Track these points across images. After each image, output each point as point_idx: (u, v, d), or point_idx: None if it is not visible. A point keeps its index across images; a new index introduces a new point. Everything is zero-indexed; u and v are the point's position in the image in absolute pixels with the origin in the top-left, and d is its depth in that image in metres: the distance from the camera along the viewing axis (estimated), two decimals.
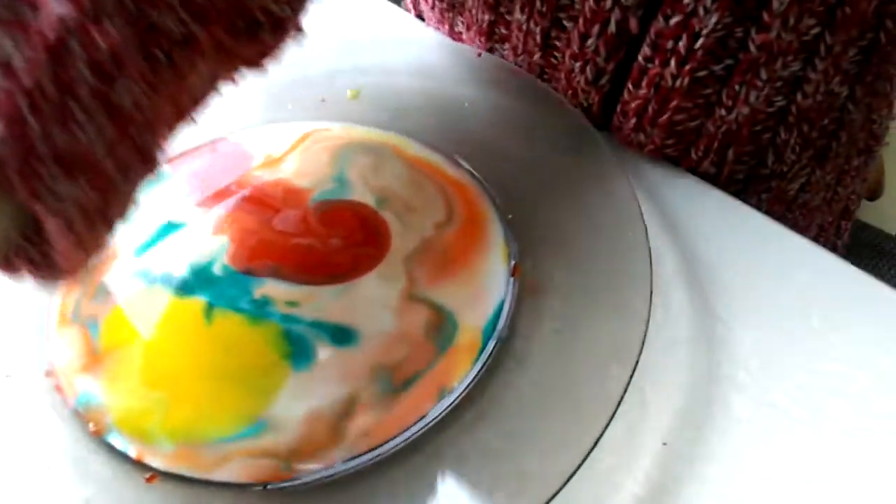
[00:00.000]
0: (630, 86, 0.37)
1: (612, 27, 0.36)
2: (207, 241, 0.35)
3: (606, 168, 0.35)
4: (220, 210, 0.37)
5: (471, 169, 0.38)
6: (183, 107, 0.24)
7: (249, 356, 0.31)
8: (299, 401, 0.29)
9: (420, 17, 0.51)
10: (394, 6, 0.50)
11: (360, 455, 0.28)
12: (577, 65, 0.38)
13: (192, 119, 0.25)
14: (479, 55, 0.42)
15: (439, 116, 0.40)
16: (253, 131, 0.40)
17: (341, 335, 0.31)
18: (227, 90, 0.40)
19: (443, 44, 0.44)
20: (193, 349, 0.31)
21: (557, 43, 0.39)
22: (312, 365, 0.30)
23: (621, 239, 0.33)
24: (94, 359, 0.31)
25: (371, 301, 0.33)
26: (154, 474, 0.27)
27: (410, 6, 0.52)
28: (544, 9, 0.38)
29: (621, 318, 0.30)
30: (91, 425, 0.29)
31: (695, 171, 0.39)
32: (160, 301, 0.33)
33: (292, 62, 0.41)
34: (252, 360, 0.31)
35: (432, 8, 0.48)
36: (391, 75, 0.42)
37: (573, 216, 0.35)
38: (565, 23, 0.38)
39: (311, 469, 0.28)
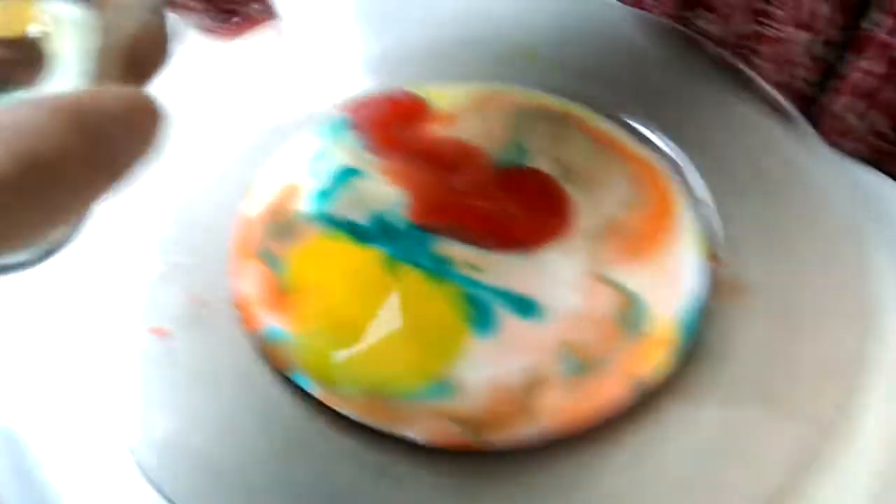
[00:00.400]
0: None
1: None
2: (385, 191, 0.34)
3: (821, 164, 0.33)
4: (398, 161, 0.36)
5: (663, 149, 0.36)
6: None
7: (431, 314, 0.30)
8: (483, 367, 0.29)
9: None
10: None
11: (549, 433, 0.27)
12: (804, 36, 0.34)
13: None
14: (673, 29, 0.40)
15: (628, 89, 0.38)
16: (429, 85, 0.39)
17: (525, 306, 0.30)
18: (407, 41, 0.40)
19: (633, 12, 0.42)
20: (375, 298, 0.31)
21: (779, 11, 0.35)
22: (496, 332, 0.29)
23: (836, 242, 0.30)
24: (278, 296, 0.31)
25: (555, 275, 0.31)
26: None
27: None
28: None
29: (837, 332, 0.28)
30: (278, 362, 0.29)
31: None
32: (342, 247, 0.32)
33: (469, 20, 0.41)
34: (434, 319, 0.30)
35: None
36: (574, 39, 0.40)
37: (780, 211, 0.32)
38: None
39: (500, 441, 0.27)
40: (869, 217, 0.32)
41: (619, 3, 0.44)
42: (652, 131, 0.36)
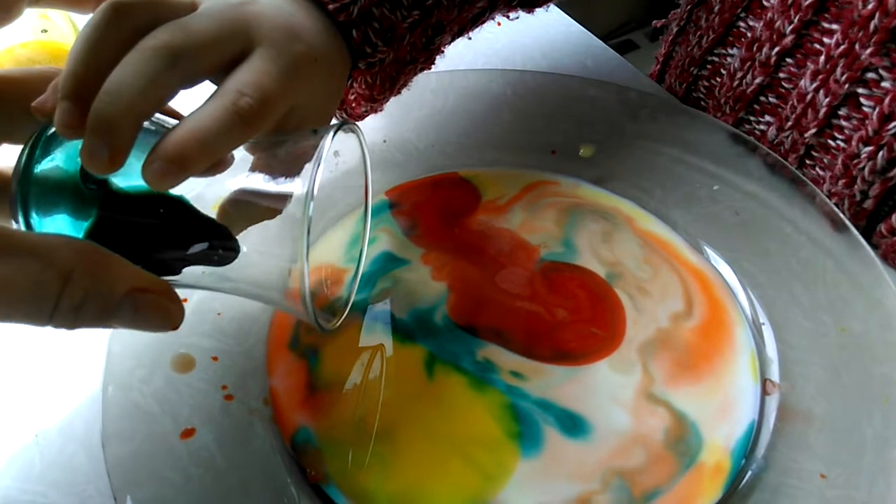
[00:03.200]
0: None
1: None
2: (428, 284, 0.33)
3: (876, 281, 0.31)
4: (443, 253, 0.35)
5: (717, 259, 0.34)
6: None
7: (475, 425, 0.29)
8: (528, 493, 0.27)
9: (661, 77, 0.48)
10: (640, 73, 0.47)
11: None
12: (867, 150, 0.34)
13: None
14: (733, 136, 0.39)
15: (683, 194, 0.37)
16: (480, 171, 0.38)
17: (572, 424, 0.29)
18: (457, 129, 0.40)
19: (692, 114, 0.41)
20: (414, 402, 0.29)
21: (844, 122, 0.35)
22: (542, 453, 0.28)
23: (893, 364, 0.29)
24: (312, 392, 0.29)
25: (604, 391, 0.30)
26: None
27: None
28: (843, 77, 0.33)
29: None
30: (310, 471, 0.27)
31: None
32: (381, 341, 0.31)
33: (526, 108, 0.40)
34: (478, 431, 0.28)
35: (673, 53, 0.45)
36: (632, 139, 0.39)
37: (837, 331, 0.31)
38: (863, 100, 0.33)
39: None
40: None
41: (678, 102, 0.43)
42: (707, 242, 0.35)
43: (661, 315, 0.32)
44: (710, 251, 0.35)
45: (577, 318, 0.32)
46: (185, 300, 0.31)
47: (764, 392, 0.30)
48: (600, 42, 0.48)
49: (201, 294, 0.31)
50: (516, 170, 0.38)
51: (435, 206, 0.37)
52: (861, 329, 0.31)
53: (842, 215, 0.34)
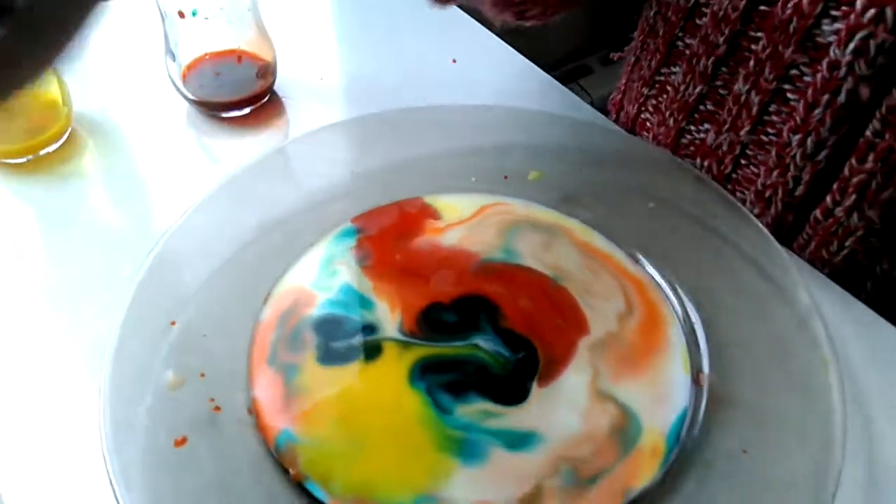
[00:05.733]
0: (854, 160, 0.36)
1: (842, 97, 0.35)
2: (381, 310, 0.36)
3: (792, 286, 0.35)
4: (388, 281, 0.38)
5: (651, 267, 0.38)
6: None
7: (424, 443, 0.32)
8: (470, 492, 0.30)
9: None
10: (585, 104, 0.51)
11: None
12: (797, 138, 0.38)
13: None
14: (665, 157, 0.43)
15: (621, 211, 0.41)
16: (438, 197, 0.42)
17: (521, 441, 0.32)
18: (417, 157, 0.44)
19: (631, 140, 0.45)
20: (377, 415, 0.33)
21: (775, 117, 0.39)
22: (484, 464, 0.31)
23: (810, 359, 0.33)
24: (288, 400, 0.32)
25: (562, 400, 0.33)
26: None
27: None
28: (770, 76, 0.38)
29: (813, 445, 0.30)
30: (291, 470, 0.30)
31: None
32: (351, 358, 0.34)
33: (484, 136, 0.44)
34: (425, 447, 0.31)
35: (630, 81, 0.49)
36: (576, 163, 0.44)
37: (758, 329, 0.35)
38: (789, 94, 0.37)
39: None
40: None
41: (617, 128, 0.48)
42: (643, 253, 0.39)
43: (609, 314, 0.36)
44: (644, 261, 0.39)
45: (539, 307, 0.36)
46: (174, 323, 0.34)
47: (695, 383, 0.34)
48: (546, 75, 0.52)
49: (189, 318, 0.35)
50: (474, 194, 0.42)
51: (394, 231, 0.40)
52: (780, 326, 0.35)
53: (761, 226, 0.38)
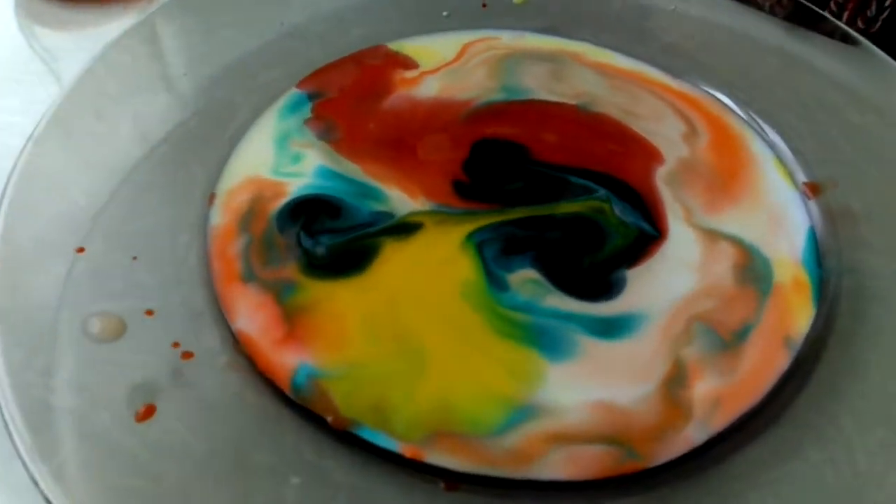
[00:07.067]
0: None
1: None
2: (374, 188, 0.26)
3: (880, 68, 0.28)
4: (373, 159, 0.27)
5: (695, 82, 0.30)
6: None
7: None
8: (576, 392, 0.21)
9: None
10: None
11: (717, 430, 0.20)
12: None
13: None
14: None
15: (639, 33, 0.32)
16: (406, 42, 0.32)
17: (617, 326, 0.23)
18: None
19: None
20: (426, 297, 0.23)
21: None
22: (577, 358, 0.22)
23: None
24: (295, 327, 0.22)
25: (663, 258, 0.24)
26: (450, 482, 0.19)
27: None
28: None
29: None
30: (328, 417, 0.20)
31: None
32: (370, 252, 0.24)
33: None
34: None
35: None
36: None
37: (846, 123, 0.28)
38: None
39: (665, 453, 0.20)
40: None
41: None
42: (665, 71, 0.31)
43: (672, 136, 0.28)
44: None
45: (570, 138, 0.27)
46: (82, 250, 0.22)
47: (808, 195, 0.26)
48: None
49: (104, 239, 0.23)
50: (449, 32, 0.32)
51: (358, 87, 0.30)
52: (869, 118, 0.28)
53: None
